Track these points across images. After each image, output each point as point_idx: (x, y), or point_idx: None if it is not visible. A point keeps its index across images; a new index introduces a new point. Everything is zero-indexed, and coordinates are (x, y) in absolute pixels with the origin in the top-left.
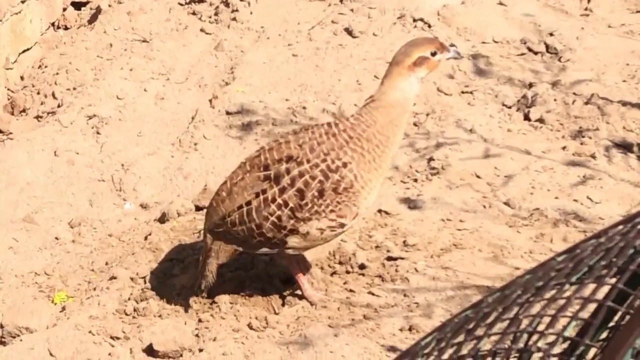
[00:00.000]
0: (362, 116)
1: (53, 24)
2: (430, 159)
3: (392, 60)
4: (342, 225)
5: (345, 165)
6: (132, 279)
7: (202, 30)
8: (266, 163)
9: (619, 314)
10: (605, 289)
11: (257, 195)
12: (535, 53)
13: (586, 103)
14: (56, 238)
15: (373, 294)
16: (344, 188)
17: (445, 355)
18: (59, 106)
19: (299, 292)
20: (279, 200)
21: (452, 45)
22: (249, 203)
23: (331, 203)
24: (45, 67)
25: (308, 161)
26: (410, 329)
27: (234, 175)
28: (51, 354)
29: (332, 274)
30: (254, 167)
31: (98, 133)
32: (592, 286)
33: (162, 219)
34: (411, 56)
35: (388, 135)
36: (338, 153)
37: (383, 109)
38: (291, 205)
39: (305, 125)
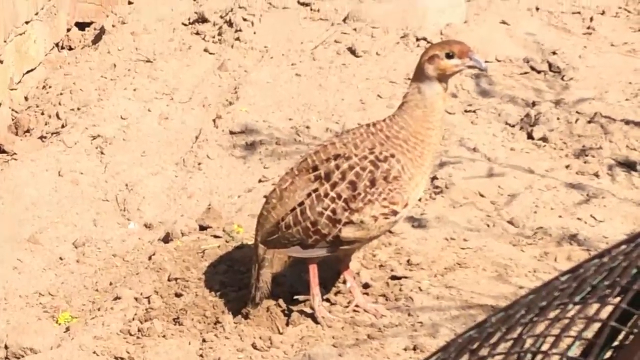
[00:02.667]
0: (395, 118)
1: (57, 45)
2: (434, 178)
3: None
4: (394, 213)
5: (392, 155)
6: (136, 299)
7: (205, 50)
8: (314, 165)
9: (623, 333)
10: (608, 309)
11: (309, 194)
12: (538, 72)
13: (589, 122)
14: (60, 258)
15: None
16: (393, 177)
17: None
18: (63, 126)
19: (304, 310)
20: (332, 194)
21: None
22: (301, 204)
23: (383, 191)
24: (50, 87)
25: (356, 155)
26: (414, 349)
27: (282, 182)
28: None
29: (336, 293)
30: (302, 170)
31: (102, 153)
32: (595, 306)
33: (166, 239)
34: (427, 54)
35: (422, 138)
36: (381, 148)
37: (410, 110)
38: (344, 197)
39: (343, 130)
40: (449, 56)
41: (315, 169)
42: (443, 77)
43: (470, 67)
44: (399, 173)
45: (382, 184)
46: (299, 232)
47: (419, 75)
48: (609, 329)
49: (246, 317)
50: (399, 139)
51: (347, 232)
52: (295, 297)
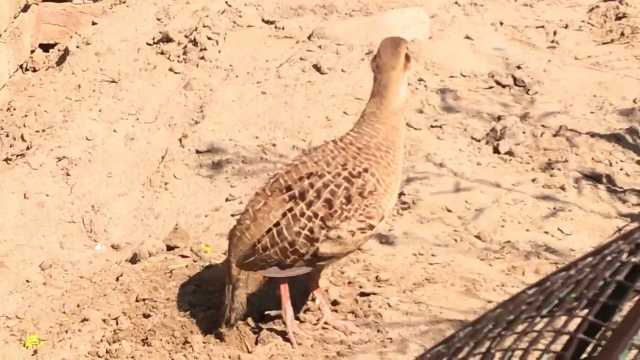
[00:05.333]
0: (363, 129)
1: (21, 66)
2: (401, 194)
3: (384, 66)
4: (371, 227)
5: (366, 170)
6: (104, 320)
7: (170, 69)
8: (287, 184)
9: (591, 345)
10: (576, 321)
11: (284, 214)
12: (503, 86)
13: (555, 135)
14: (27, 281)
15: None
16: (369, 192)
17: None
18: (28, 148)
19: (273, 328)
20: (308, 213)
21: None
22: (277, 224)
23: (360, 207)
24: (14, 109)
25: (329, 172)
26: None
27: (255, 203)
28: None
29: (305, 311)
30: (275, 190)
31: (68, 175)
32: (563, 318)
33: (134, 260)
34: (399, 56)
35: (393, 140)
36: (354, 162)
37: (385, 118)
38: (321, 215)
39: (310, 148)
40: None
41: (288, 188)
42: None
43: None
44: (374, 187)
45: (358, 200)
46: (276, 253)
47: (401, 80)
48: (577, 341)
49: (221, 338)
50: (371, 148)
51: (325, 249)
52: (267, 312)
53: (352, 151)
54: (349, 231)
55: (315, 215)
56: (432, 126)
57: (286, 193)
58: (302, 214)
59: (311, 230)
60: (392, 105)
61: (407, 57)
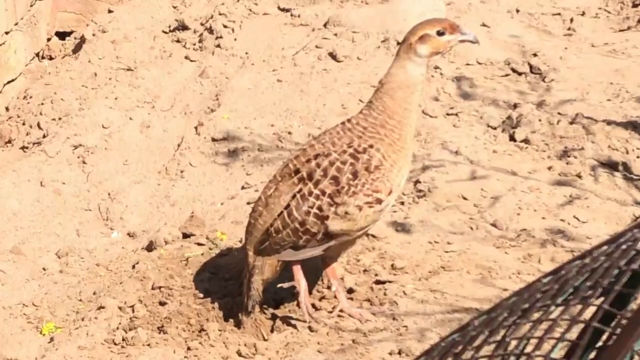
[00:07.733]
0: (373, 103)
1: (37, 54)
2: (417, 182)
3: (402, 39)
4: (379, 201)
5: (371, 146)
6: (120, 308)
7: (186, 57)
8: (296, 168)
9: (606, 334)
10: (591, 310)
11: (294, 196)
12: (520, 74)
13: (571, 123)
14: (44, 269)
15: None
16: (375, 166)
17: None
18: (44, 136)
19: (289, 315)
20: (316, 192)
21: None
22: (287, 206)
23: (367, 182)
24: (30, 97)
25: (335, 152)
26: (399, 353)
27: (267, 189)
28: None
29: (321, 298)
30: (285, 175)
31: (84, 162)
32: (578, 307)
33: (150, 247)
34: (416, 34)
35: (400, 119)
36: (359, 141)
37: (391, 91)
38: (329, 192)
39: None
40: (440, 33)
41: (297, 172)
42: (434, 56)
43: (462, 41)
44: (380, 162)
45: (365, 175)
46: (289, 234)
47: (406, 56)
48: (591, 330)
49: (238, 325)
50: (376, 126)
51: (335, 226)
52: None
53: (357, 131)
54: (356, 206)
55: (323, 192)
56: (447, 114)
57: (295, 176)
58: (310, 193)
59: (320, 208)
60: (395, 77)
61: (427, 39)
